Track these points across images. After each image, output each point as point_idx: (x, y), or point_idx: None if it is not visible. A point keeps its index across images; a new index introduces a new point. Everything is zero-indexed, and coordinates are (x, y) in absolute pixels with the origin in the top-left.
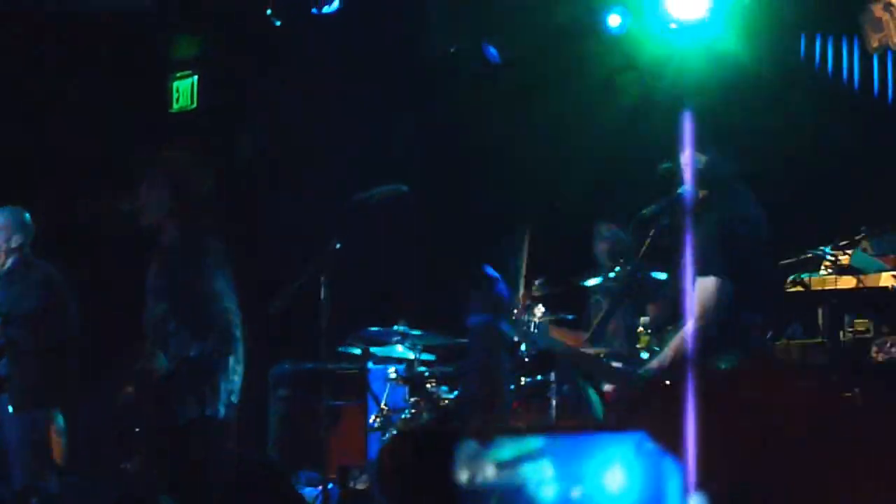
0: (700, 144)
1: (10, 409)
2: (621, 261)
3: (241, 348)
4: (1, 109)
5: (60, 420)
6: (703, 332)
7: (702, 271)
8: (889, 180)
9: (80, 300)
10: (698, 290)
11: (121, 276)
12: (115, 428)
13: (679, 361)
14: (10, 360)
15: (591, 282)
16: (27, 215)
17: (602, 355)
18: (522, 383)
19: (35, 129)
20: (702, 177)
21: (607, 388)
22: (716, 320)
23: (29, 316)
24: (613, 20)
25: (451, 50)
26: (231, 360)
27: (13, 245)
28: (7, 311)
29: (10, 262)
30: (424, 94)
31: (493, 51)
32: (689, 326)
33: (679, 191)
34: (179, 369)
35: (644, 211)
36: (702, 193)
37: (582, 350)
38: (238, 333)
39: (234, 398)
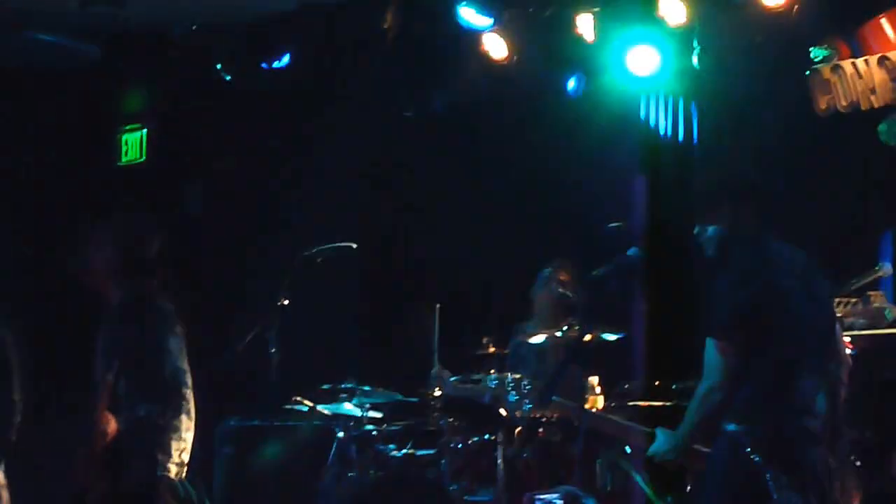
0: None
1: None
2: (570, 319)
3: (191, 408)
4: None
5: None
6: (707, 397)
7: (709, 332)
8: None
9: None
10: (706, 353)
11: (70, 333)
12: (67, 488)
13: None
14: None
15: (538, 338)
16: None
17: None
18: (469, 443)
19: None
20: (719, 237)
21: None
22: (720, 388)
23: None
24: (570, 84)
25: (407, 114)
26: (182, 419)
27: None
28: None
29: None
30: (374, 150)
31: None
32: (699, 391)
33: (629, 252)
34: (130, 430)
35: (594, 272)
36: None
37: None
38: (189, 393)
39: (185, 456)
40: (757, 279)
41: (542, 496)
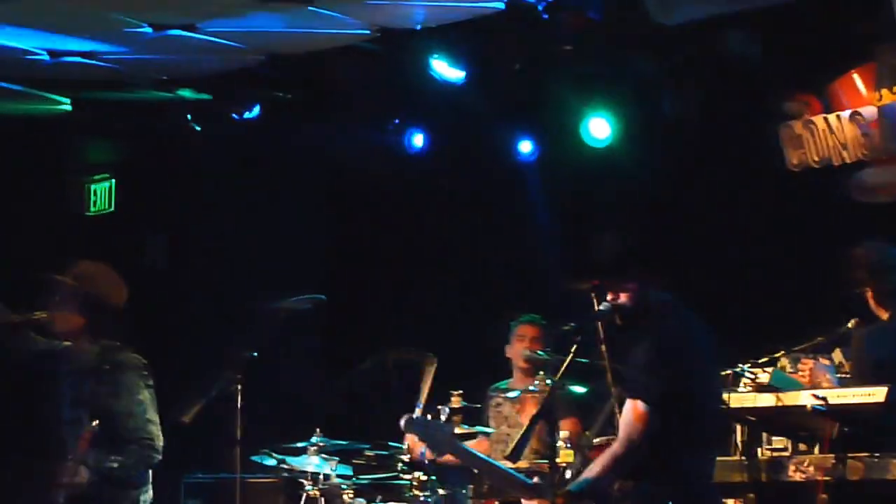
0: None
1: None
2: (540, 374)
3: (159, 459)
4: None
5: None
6: (624, 458)
7: (630, 393)
8: (807, 299)
9: None
10: (624, 413)
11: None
12: None
13: (604, 480)
14: None
15: (511, 393)
16: None
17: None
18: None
19: None
20: (643, 299)
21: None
22: (638, 450)
23: None
24: (525, 147)
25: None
26: (151, 471)
27: None
28: None
29: None
30: (343, 203)
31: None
32: (614, 449)
33: (600, 307)
34: (99, 480)
35: (564, 327)
36: (646, 312)
37: (493, 462)
38: (159, 445)
39: None
40: (683, 352)
41: None
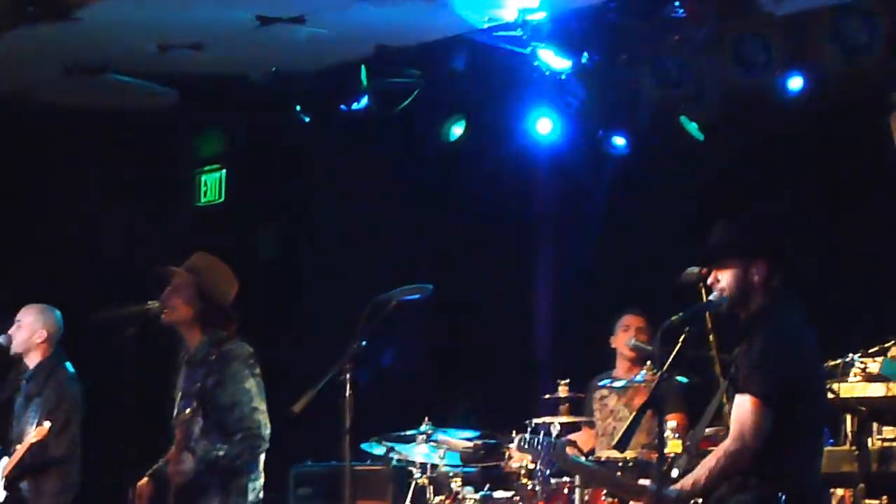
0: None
1: None
2: (647, 364)
3: (265, 448)
4: (28, 204)
5: None
6: (736, 454)
7: (743, 388)
8: None
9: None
10: (736, 408)
11: (145, 374)
12: None
13: (712, 483)
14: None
15: (617, 384)
16: (56, 313)
17: (630, 463)
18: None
19: (64, 224)
20: (760, 290)
21: None
22: (752, 447)
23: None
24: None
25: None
26: (259, 460)
27: (37, 342)
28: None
29: (35, 361)
30: (452, 192)
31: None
32: (725, 446)
33: (710, 298)
34: (207, 469)
35: (673, 318)
36: (758, 303)
37: (604, 471)
38: (266, 433)
39: (260, 496)
40: (798, 347)
41: None
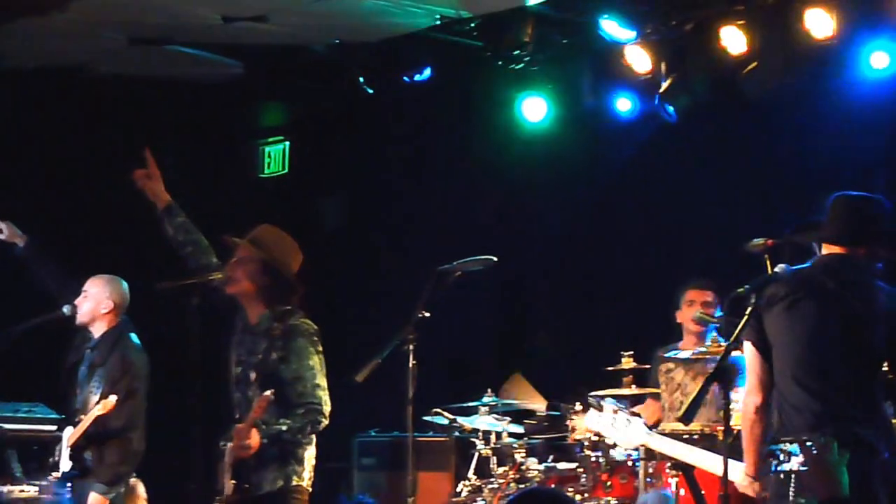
0: None
1: (93, 478)
2: (713, 336)
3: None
4: (95, 175)
5: (142, 488)
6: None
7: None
8: None
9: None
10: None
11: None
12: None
13: None
14: (97, 430)
15: (682, 355)
16: (122, 283)
17: (696, 436)
18: (610, 457)
19: (128, 195)
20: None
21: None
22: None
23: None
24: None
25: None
26: (318, 433)
27: (103, 312)
28: (99, 386)
29: (101, 331)
30: (513, 162)
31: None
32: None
33: (776, 270)
34: (269, 442)
35: (739, 289)
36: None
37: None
38: (327, 410)
39: (313, 462)
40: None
41: None
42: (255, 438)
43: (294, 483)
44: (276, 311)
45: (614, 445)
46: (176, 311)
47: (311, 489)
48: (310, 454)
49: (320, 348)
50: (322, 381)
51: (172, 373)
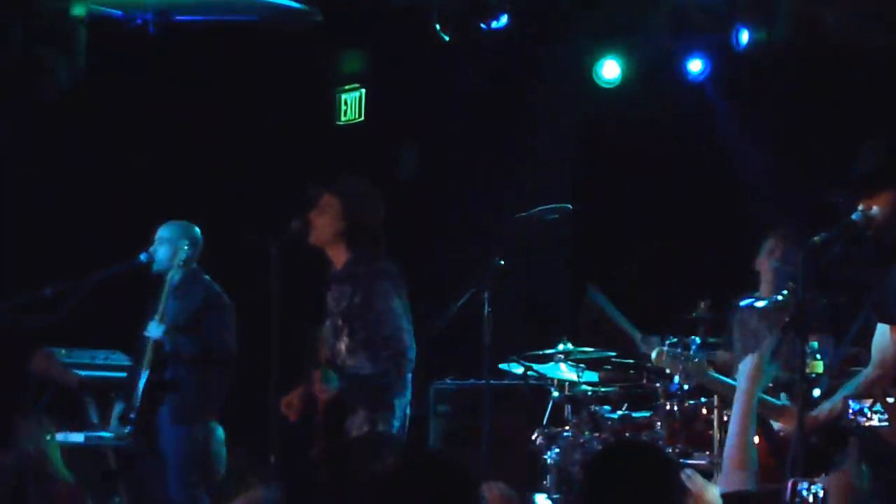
0: None
1: (170, 421)
2: (790, 285)
3: (412, 366)
4: (171, 123)
5: (220, 432)
6: (875, 382)
7: (882, 317)
8: None
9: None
10: (877, 336)
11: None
12: (290, 443)
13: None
14: (172, 372)
15: (759, 303)
16: (196, 230)
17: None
18: (685, 406)
19: (206, 142)
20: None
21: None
22: (892, 374)
23: (190, 328)
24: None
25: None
26: (408, 378)
27: (180, 259)
28: (172, 324)
29: (177, 275)
30: (590, 112)
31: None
32: (866, 373)
33: (853, 216)
34: (354, 387)
35: (816, 238)
36: None
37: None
38: (412, 355)
39: (407, 411)
40: None
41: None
42: (332, 380)
43: (380, 429)
44: (358, 255)
45: (690, 394)
46: (256, 261)
47: (402, 438)
48: (400, 401)
49: (404, 292)
50: (406, 324)
51: (251, 321)
